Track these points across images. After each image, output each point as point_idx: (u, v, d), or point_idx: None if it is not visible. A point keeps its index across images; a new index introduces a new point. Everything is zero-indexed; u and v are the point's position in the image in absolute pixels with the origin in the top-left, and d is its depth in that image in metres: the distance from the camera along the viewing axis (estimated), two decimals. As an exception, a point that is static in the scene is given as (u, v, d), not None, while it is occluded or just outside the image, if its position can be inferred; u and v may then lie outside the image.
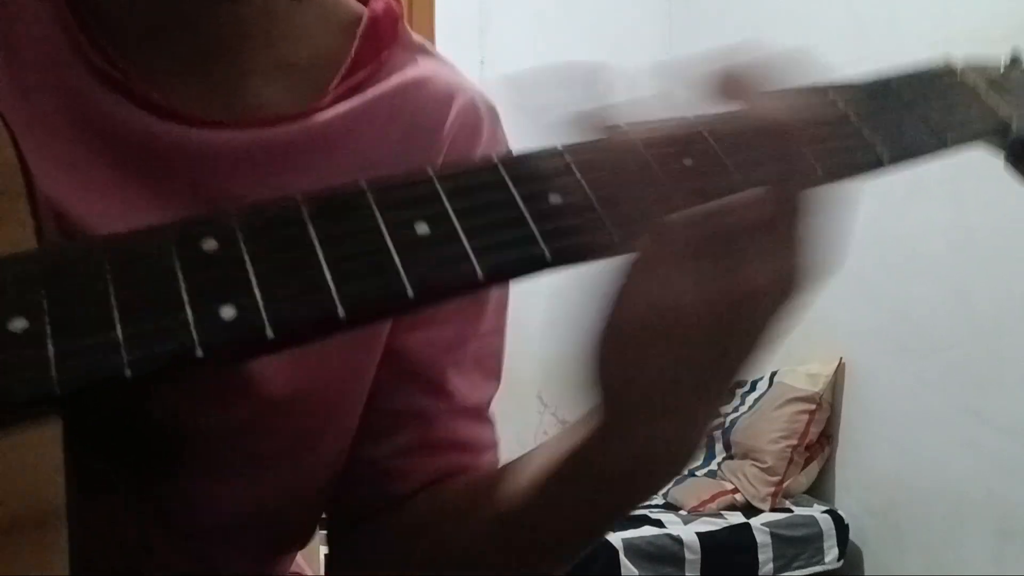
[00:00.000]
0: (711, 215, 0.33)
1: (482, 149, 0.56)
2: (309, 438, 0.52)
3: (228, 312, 0.27)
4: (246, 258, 0.28)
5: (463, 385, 0.56)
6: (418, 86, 0.55)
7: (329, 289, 0.28)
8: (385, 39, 0.55)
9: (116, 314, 0.26)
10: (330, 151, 0.50)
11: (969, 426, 2.28)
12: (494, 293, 0.58)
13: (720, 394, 0.37)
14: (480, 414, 0.57)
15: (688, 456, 0.38)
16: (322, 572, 2.07)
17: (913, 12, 2.39)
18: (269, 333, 0.27)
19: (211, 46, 0.49)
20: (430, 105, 0.55)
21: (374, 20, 0.55)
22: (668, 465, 0.39)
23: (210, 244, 0.28)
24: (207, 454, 0.48)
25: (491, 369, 0.58)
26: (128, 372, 0.26)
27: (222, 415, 0.48)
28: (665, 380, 0.35)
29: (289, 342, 0.28)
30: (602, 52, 3.28)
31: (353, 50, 0.53)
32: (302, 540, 0.59)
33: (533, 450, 0.47)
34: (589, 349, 0.35)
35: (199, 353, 0.26)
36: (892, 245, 2.43)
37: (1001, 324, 2.22)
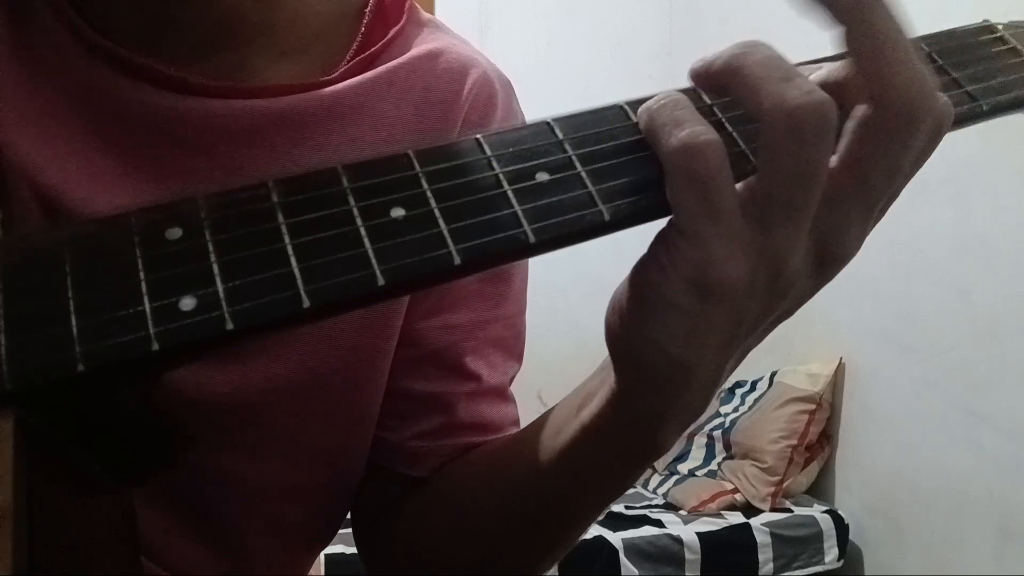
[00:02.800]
0: (777, 184, 0.32)
1: (498, 121, 0.55)
2: (324, 419, 0.52)
3: (188, 303, 0.26)
4: (210, 247, 0.28)
5: (484, 367, 0.55)
6: (431, 58, 0.54)
7: (295, 278, 0.27)
8: (394, 17, 0.55)
9: (72, 306, 0.26)
10: (343, 123, 0.50)
11: (969, 426, 2.28)
12: (516, 275, 0.57)
13: (740, 361, 0.37)
14: (502, 393, 0.57)
15: (696, 417, 0.38)
16: (322, 572, 2.06)
17: (915, 12, 2.38)
18: (229, 325, 0.26)
19: (213, 34, 0.49)
20: (444, 77, 0.54)
21: (381, 0, 0.55)
22: (681, 429, 0.38)
23: (174, 233, 0.28)
24: (217, 430, 0.48)
25: (513, 349, 0.58)
26: (80, 366, 0.25)
27: (229, 391, 0.48)
28: (708, 350, 0.34)
29: (251, 333, 0.27)
30: (602, 52, 3.28)
31: (363, 27, 0.53)
32: (330, 529, 0.58)
33: (543, 421, 0.46)
34: (627, 319, 0.34)
35: (155, 346, 0.26)
36: (893, 245, 2.43)
37: (1002, 324, 2.21)
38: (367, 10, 0.54)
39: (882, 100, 0.32)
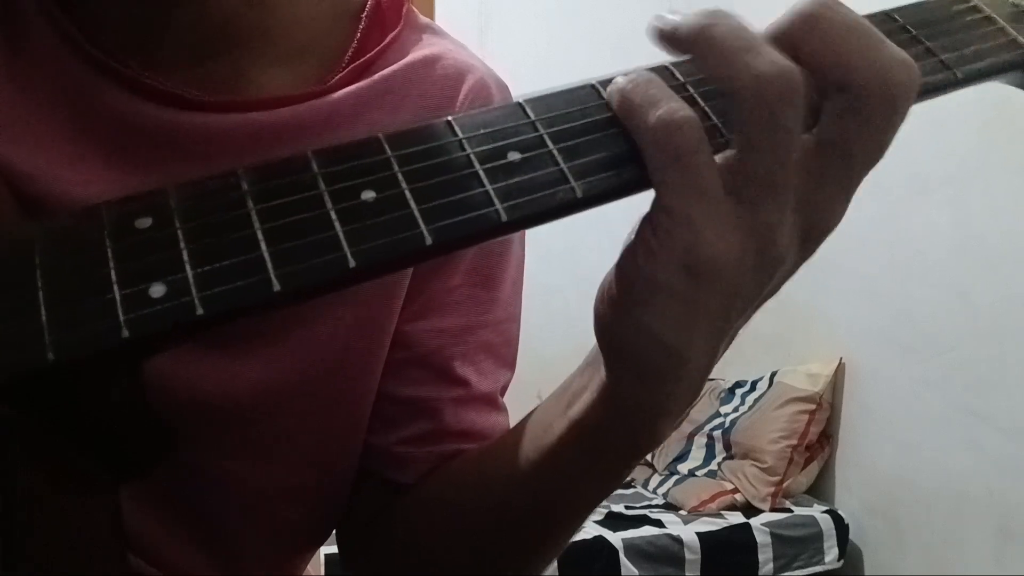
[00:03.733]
0: (753, 157, 0.32)
1: None
2: (317, 421, 0.52)
3: (157, 290, 0.26)
4: (180, 235, 0.28)
5: (473, 373, 0.55)
6: (428, 64, 0.54)
7: (265, 263, 0.27)
8: (391, 22, 0.55)
9: (42, 297, 0.26)
10: (339, 132, 0.50)
11: (969, 426, 2.28)
12: (507, 280, 0.57)
13: (728, 346, 0.36)
14: (492, 402, 0.56)
15: (688, 406, 0.37)
16: (322, 572, 2.05)
17: None
18: (199, 310, 0.26)
19: (208, 39, 0.49)
20: (441, 83, 0.54)
21: (378, 4, 0.54)
22: (673, 420, 0.38)
23: (144, 222, 0.28)
24: (209, 431, 0.48)
25: (504, 357, 0.57)
26: (50, 355, 0.25)
27: (221, 392, 0.47)
28: (700, 335, 0.33)
29: (222, 319, 0.27)
30: (602, 52, 3.28)
31: (359, 33, 0.53)
32: (324, 530, 0.58)
33: (530, 419, 0.46)
34: (617, 307, 0.34)
35: (125, 333, 0.26)
36: (893, 245, 2.42)
37: (1002, 324, 2.21)
38: (363, 15, 0.54)
39: (858, 84, 0.32)
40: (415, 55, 0.54)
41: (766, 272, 0.33)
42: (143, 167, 0.47)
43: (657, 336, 0.33)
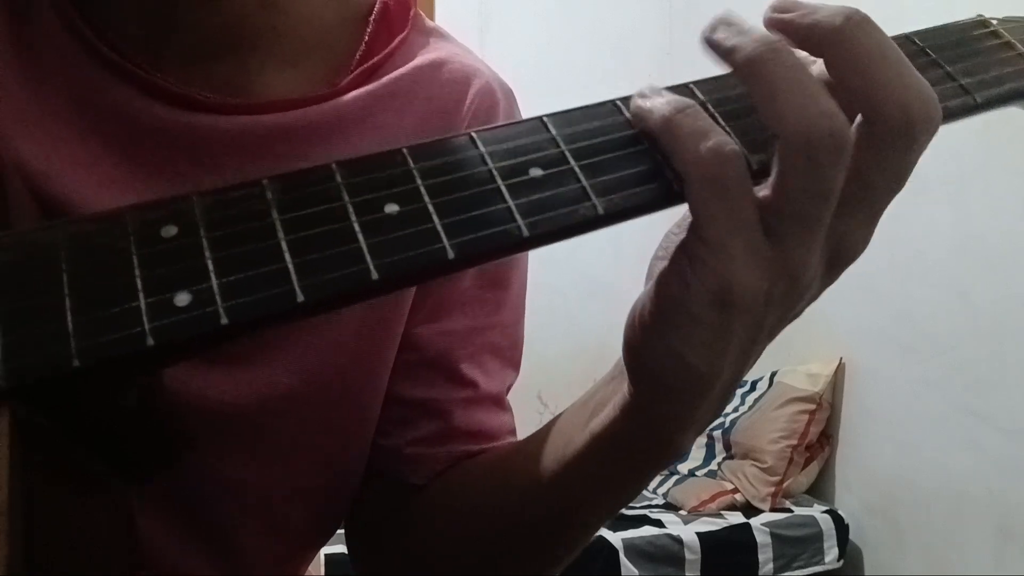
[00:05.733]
0: (792, 199, 0.32)
1: None
2: (325, 424, 0.52)
3: (183, 299, 0.27)
4: (205, 244, 0.28)
5: (480, 374, 0.55)
6: (434, 68, 0.54)
7: (289, 274, 0.27)
8: (398, 25, 0.55)
9: (68, 303, 0.26)
10: (348, 135, 0.50)
11: (969, 426, 2.28)
12: (515, 283, 0.57)
13: (754, 364, 0.37)
14: (499, 402, 0.57)
15: (711, 423, 0.38)
16: (322, 572, 2.06)
17: (916, 13, 2.38)
18: (224, 320, 0.26)
19: (217, 39, 0.49)
20: (447, 87, 0.54)
21: (385, 7, 0.55)
22: (695, 435, 0.38)
23: (169, 231, 0.28)
24: (216, 435, 0.48)
25: (510, 358, 0.58)
26: (76, 362, 0.25)
27: (230, 397, 0.48)
28: (727, 360, 0.34)
29: (246, 328, 0.27)
30: (602, 52, 3.28)
31: (366, 36, 0.53)
32: (328, 531, 0.58)
33: (552, 430, 0.46)
34: (649, 332, 0.34)
35: (150, 341, 0.26)
36: (893, 245, 2.42)
37: (1002, 324, 2.21)
38: (371, 18, 0.54)
39: (879, 115, 0.32)
40: (422, 58, 0.54)
41: (793, 301, 0.34)
42: (153, 167, 0.47)
43: (687, 360, 0.33)
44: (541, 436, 0.47)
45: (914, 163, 0.34)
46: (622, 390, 0.38)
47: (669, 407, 0.36)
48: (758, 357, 0.37)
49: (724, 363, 0.34)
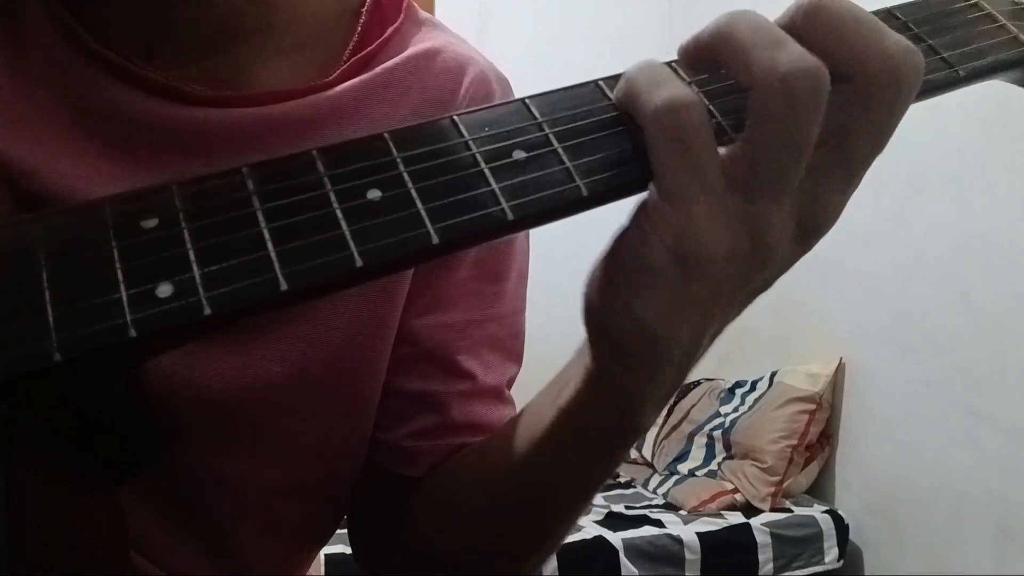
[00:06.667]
0: (766, 149, 0.32)
1: None
2: (321, 418, 0.52)
3: (164, 290, 0.26)
4: (186, 235, 0.27)
5: (479, 367, 0.55)
6: (429, 57, 0.54)
7: (271, 262, 0.27)
8: (391, 15, 0.55)
9: (48, 296, 0.26)
10: (341, 126, 0.50)
11: (969, 426, 2.28)
12: (512, 274, 0.57)
13: (716, 337, 0.36)
14: (499, 394, 0.57)
15: (672, 395, 0.38)
16: (322, 572, 2.05)
17: None
18: (206, 310, 0.26)
19: (211, 36, 0.49)
20: (441, 76, 0.54)
21: None
22: (658, 408, 0.38)
23: (150, 222, 0.28)
24: (211, 429, 0.48)
25: (511, 350, 0.58)
26: (57, 356, 0.25)
27: (222, 389, 0.48)
28: (686, 324, 0.33)
29: (230, 318, 0.27)
30: (602, 52, 3.28)
31: (359, 27, 0.53)
32: (327, 530, 0.58)
33: (523, 413, 0.46)
34: (606, 292, 0.34)
35: (132, 333, 0.26)
36: (893, 245, 2.42)
37: (1002, 324, 2.21)
38: (364, 9, 0.54)
39: (865, 69, 0.32)
40: (416, 48, 0.54)
41: (755, 264, 0.33)
42: (145, 162, 0.47)
43: (643, 321, 0.33)
44: (515, 420, 0.47)
45: (898, 120, 0.33)
46: (585, 362, 0.38)
47: (627, 372, 0.36)
48: (721, 329, 0.36)
49: (683, 325, 0.33)
